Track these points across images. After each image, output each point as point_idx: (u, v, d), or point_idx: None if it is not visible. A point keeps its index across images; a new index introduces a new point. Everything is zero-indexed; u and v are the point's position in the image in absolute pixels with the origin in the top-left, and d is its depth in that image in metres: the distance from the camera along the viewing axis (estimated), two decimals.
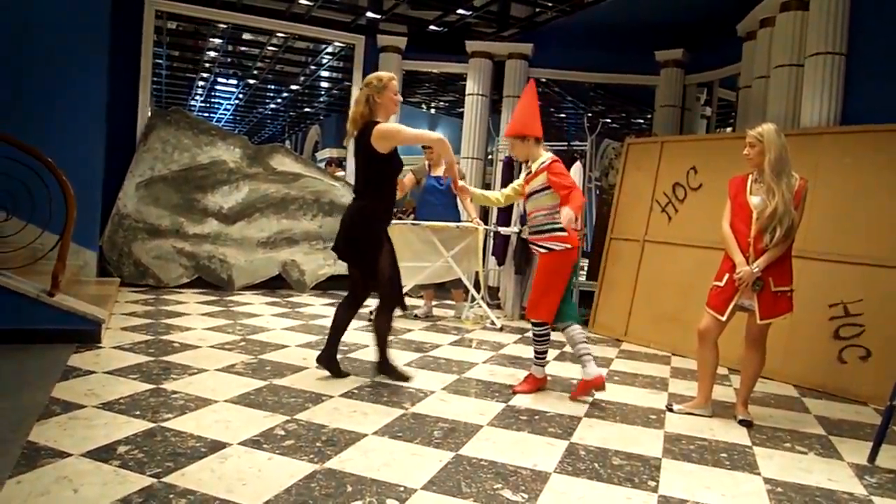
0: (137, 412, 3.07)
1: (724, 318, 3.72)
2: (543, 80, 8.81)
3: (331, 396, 3.57)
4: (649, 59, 8.08)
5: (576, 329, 4.00)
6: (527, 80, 8.39)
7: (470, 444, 3.02)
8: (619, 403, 3.93)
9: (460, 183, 4.20)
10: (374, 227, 3.89)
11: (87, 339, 4.26)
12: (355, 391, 3.72)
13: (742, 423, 3.69)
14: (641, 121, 13.25)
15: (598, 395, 4.02)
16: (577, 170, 6.31)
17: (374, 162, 3.82)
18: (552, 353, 5.17)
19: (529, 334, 4.30)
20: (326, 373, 4.02)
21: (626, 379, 4.58)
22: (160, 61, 10.77)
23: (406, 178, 6.18)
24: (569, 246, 3.93)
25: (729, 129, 8.41)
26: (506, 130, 4.19)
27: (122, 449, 2.63)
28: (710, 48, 7.68)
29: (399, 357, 4.60)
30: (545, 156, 4.02)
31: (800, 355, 4.77)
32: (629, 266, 6.14)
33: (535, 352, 4.12)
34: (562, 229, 3.87)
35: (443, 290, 6.94)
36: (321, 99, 13.87)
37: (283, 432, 2.97)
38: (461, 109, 8.90)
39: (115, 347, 4.24)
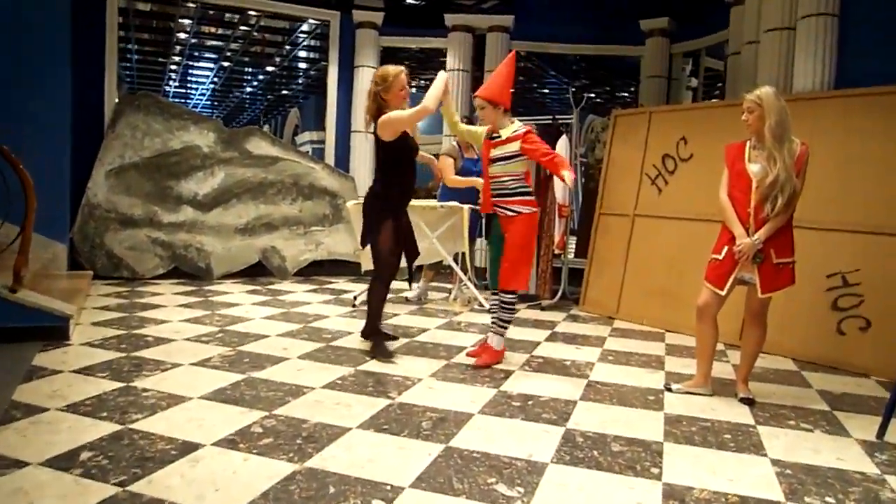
0: (105, 414, 2.87)
1: (723, 293, 3.56)
2: (524, 53, 8.58)
3: (312, 388, 3.38)
4: (634, 29, 7.86)
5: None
6: (508, 52, 8.18)
7: (461, 434, 2.84)
8: (616, 384, 3.77)
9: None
10: (376, 206, 4.12)
11: (54, 336, 4.03)
12: (338, 381, 3.53)
13: (743, 401, 3.55)
14: (626, 94, 13.06)
15: (595, 378, 3.87)
16: (563, 144, 6.11)
17: (381, 149, 4.11)
18: (542, 333, 5.02)
19: (488, 304, 4.10)
20: (308, 363, 3.84)
21: (621, 358, 4.43)
22: (129, 45, 10.41)
23: (445, 163, 5.85)
24: (536, 209, 4.03)
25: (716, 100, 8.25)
26: (479, 91, 4.10)
27: (85, 455, 2.43)
28: (696, 16, 7.47)
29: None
30: (516, 125, 4.06)
31: (797, 328, 4.63)
32: (619, 241, 5.98)
33: (501, 321, 4.09)
34: (530, 193, 4.01)
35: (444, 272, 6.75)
36: (299, 81, 13.53)
37: (260, 430, 2.78)
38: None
39: (84, 344, 4.02)
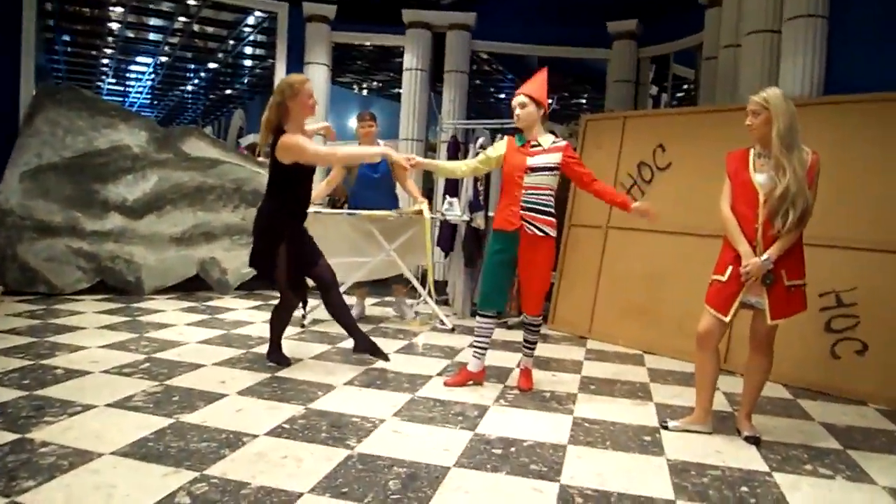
0: None
1: (727, 319, 3.15)
2: (484, 55, 8.16)
3: (254, 436, 2.82)
4: (601, 32, 7.52)
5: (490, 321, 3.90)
6: (469, 52, 7.75)
7: (437, 498, 2.34)
8: (605, 422, 3.33)
9: (408, 157, 3.89)
10: (269, 225, 3.83)
11: None
12: (286, 426, 2.97)
13: (749, 440, 3.15)
14: (583, 101, 12.80)
15: (580, 413, 3.42)
16: None
17: (278, 168, 3.76)
18: (513, 357, 4.53)
19: (520, 333, 3.79)
20: (249, 402, 3.27)
21: (603, 387, 4.00)
22: (57, 36, 9.55)
23: (333, 173, 5.41)
24: (554, 232, 3.74)
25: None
26: (523, 87, 3.76)
27: None
28: (666, 19, 7.18)
29: (340, 372, 3.89)
30: (553, 136, 3.79)
31: (788, 351, 4.26)
32: (591, 255, 5.57)
33: (530, 344, 3.90)
34: (555, 214, 3.72)
35: (379, 286, 6.23)
36: (244, 79, 12.80)
37: (188, 500, 2.21)
38: (396, 90, 8.17)
39: None
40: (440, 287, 6.46)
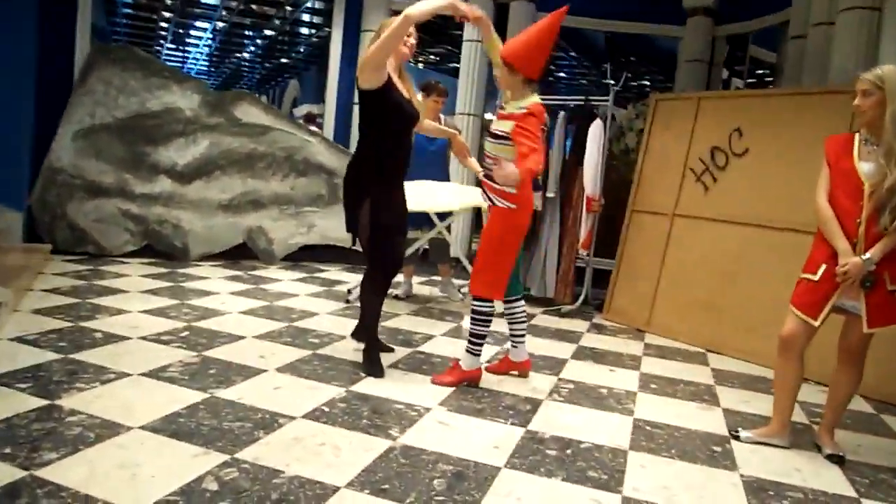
0: (7, 450, 2.11)
1: (816, 324, 2.82)
2: None
3: (291, 418, 2.63)
4: (675, 7, 7.04)
5: (522, 304, 3.57)
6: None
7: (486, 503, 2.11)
8: (669, 426, 3.04)
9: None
10: (367, 176, 3.27)
11: None
12: (325, 409, 2.78)
13: (831, 458, 2.83)
14: (646, 82, 12.27)
15: (640, 415, 3.14)
16: (597, 128, 5.34)
17: (363, 105, 3.25)
18: (566, 348, 4.27)
19: (464, 321, 3.47)
20: (288, 379, 3.10)
21: (666, 387, 3.70)
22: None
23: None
24: (512, 206, 3.16)
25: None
26: (502, 49, 3.19)
27: None
28: None
29: (384, 353, 3.67)
30: (528, 101, 3.13)
31: (872, 359, 3.88)
32: (655, 244, 5.22)
33: (473, 336, 3.31)
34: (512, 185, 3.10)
35: (425, 265, 6.02)
36: (299, 48, 12.65)
37: (215, 486, 2.03)
38: (453, 64, 7.86)
39: (14, 339, 3.25)
40: None
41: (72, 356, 3.08)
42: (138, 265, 5.50)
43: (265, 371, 3.18)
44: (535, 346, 4.20)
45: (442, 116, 5.18)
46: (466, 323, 4.60)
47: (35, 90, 5.38)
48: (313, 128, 7.56)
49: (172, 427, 2.42)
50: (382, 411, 2.82)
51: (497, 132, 3.17)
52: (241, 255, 6.22)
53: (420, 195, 4.80)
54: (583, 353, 4.24)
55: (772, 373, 4.19)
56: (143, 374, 2.94)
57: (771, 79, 9.25)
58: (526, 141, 3.02)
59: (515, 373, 3.59)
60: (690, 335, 4.82)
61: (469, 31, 7.23)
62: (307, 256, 6.51)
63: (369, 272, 3.40)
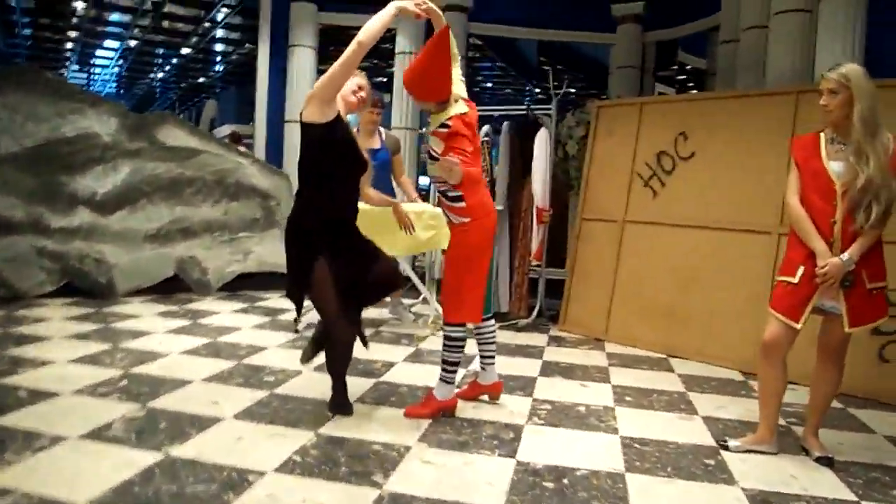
0: None
1: (798, 325, 2.77)
2: (478, 42, 7.70)
3: (262, 473, 2.36)
4: (604, 15, 7.11)
5: (493, 324, 3.37)
6: (466, 36, 7.31)
7: None
8: (656, 441, 2.94)
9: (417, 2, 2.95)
10: (300, 229, 2.91)
11: None
12: (296, 459, 2.51)
13: (821, 461, 2.79)
14: (572, 90, 12.43)
15: (625, 432, 3.03)
16: (543, 138, 5.27)
17: (306, 143, 2.94)
18: (532, 364, 4.12)
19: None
20: (249, 427, 2.81)
21: (641, 398, 3.61)
22: (17, 18, 8.86)
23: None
24: (466, 219, 3.01)
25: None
26: (404, 75, 3.08)
27: None
28: (674, 1, 6.80)
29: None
30: (448, 114, 2.99)
31: None
32: (607, 251, 5.18)
33: (446, 363, 3.12)
34: (460, 198, 2.98)
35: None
36: (216, 68, 12.16)
37: None
38: (379, 79, 7.67)
39: None
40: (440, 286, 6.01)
41: None
42: (59, 307, 5.02)
43: (221, 419, 2.87)
44: (499, 364, 3.97)
45: (381, 130, 4.98)
46: (426, 346, 4.38)
47: None
48: (241, 148, 7.19)
49: (126, 500, 2.11)
50: (361, 455, 2.58)
51: (433, 153, 3.04)
52: (172, 288, 5.79)
53: (369, 234, 4.56)
54: (549, 369, 4.11)
55: (737, 374, 4.25)
56: (83, 437, 2.59)
57: (692, 84, 9.56)
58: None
59: (485, 396, 3.41)
60: (650, 342, 4.78)
61: (402, 44, 7.06)
62: (245, 285, 6.14)
63: (335, 331, 2.97)
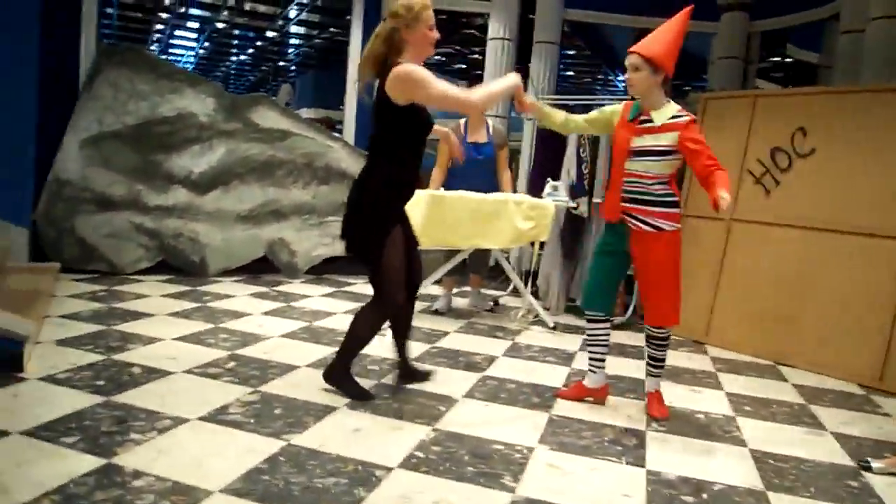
0: None
1: None
2: (565, 29, 7.43)
3: (388, 469, 2.28)
4: (707, 2, 6.77)
5: (609, 325, 3.29)
6: (562, 22, 7.09)
7: None
8: (792, 458, 2.73)
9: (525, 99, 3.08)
10: (382, 199, 2.85)
11: (2, 366, 2.85)
12: (420, 454, 2.42)
13: None
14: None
15: (753, 445, 2.84)
16: None
17: (389, 114, 2.79)
18: (635, 366, 3.92)
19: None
20: (365, 417, 2.74)
21: (760, 409, 3.39)
22: None
23: (441, 157, 4.88)
24: (678, 225, 3.00)
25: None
26: (637, 45, 2.97)
27: None
28: None
29: (453, 381, 3.34)
30: (674, 108, 2.98)
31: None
32: (711, 251, 4.92)
33: (657, 361, 3.18)
34: (677, 204, 3.01)
35: (464, 274, 5.67)
36: (295, 51, 12.23)
37: None
38: (457, 66, 7.51)
39: (44, 379, 2.84)
40: (525, 277, 5.87)
41: (115, 398, 2.69)
42: (155, 283, 5.09)
43: (336, 408, 2.81)
44: (611, 364, 3.86)
45: (489, 121, 4.86)
46: (523, 341, 4.24)
47: (37, 95, 4.93)
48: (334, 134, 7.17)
49: (258, 488, 2.05)
50: (484, 455, 2.47)
51: (657, 148, 2.92)
52: (260, 268, 5.83)
53: (467, 226, 4.46)
54: (678, 377, 3.89)
55: (855, 388, 3.97)
56: (202, 419, 2.56)
57: (797, 78, 9.02)
58: (709, 150, 2.90)
59: (590, 398, 3.26)
60: (756, 347, 4.53)
61: (495, 29, 6.88)
62: (329, 269, 6.13)
63: (387, 302, 2.95)
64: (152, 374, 3.03)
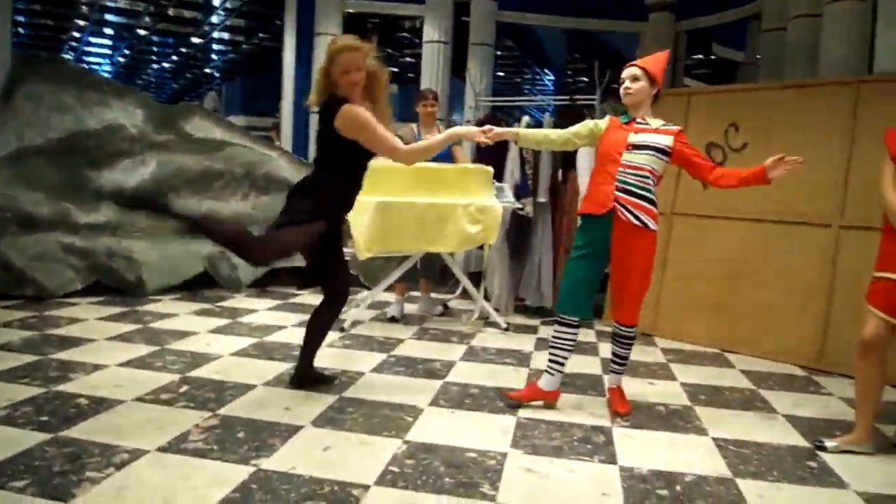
0: None
1: None
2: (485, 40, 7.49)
3: (365, 487, 2.22)
4: (635, 2, 6.96)
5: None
6: (495, 24, 7.15)
7: None
8: (751, 443, 2.84)
9: (483, 129, 3.21)
10: (326, 197, 3.02)
11: None
12: (394, 469, 2.38)
13: None
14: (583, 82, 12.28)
15: (714, 433, 2.93)
16: None
17: (338, 139, 2.98)
18: (591, 362, 3.99)
19: (609, 347, 3.25)
20: (332, 435, 2.67)
21: (714, 397, 3.51)
22: (18, 5, 8.59)
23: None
24: (657, 227, 3.09)
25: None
26: (639, 60, 3.28)
27: None
28: None
29: (414, 389, 3.31)
30: (661, 120, 3.25)
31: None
32: None
33: (620, 359, 3.28)
34: (656, 204, 3.08)
35: (413, 280, 5.63)
36: (222, 58, 11.89)
37: None
38: (391, 68, 7.46)
39: None
40: (473, 279, 5.87)
41: (63, 434, 2.52)
42: (90, 306, 4.83)
43: (301, 427, 2.73)
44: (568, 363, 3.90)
45: (438, 124, 4.86)
46: (479, 343, 4.24)
47: None
48: (277, 142, 7.01)
49: None
50: (459, 464, 2.45)
51: (657, 145, 3.08)
52: (200, 284, 5.61)
53: (415, 231, 4.44)
54: (638, 371, 3.95)
55: (797, 370, 4.16)
56: (162, 450, 2.44)
57: (720, 76, 9.40)
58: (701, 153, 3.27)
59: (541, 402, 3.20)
60: (701, 336, 4.69)
61: (430, 31, 6.88)
62: (274, 281, 5.98)
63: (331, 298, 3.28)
64: (100, 404, 2.86)
